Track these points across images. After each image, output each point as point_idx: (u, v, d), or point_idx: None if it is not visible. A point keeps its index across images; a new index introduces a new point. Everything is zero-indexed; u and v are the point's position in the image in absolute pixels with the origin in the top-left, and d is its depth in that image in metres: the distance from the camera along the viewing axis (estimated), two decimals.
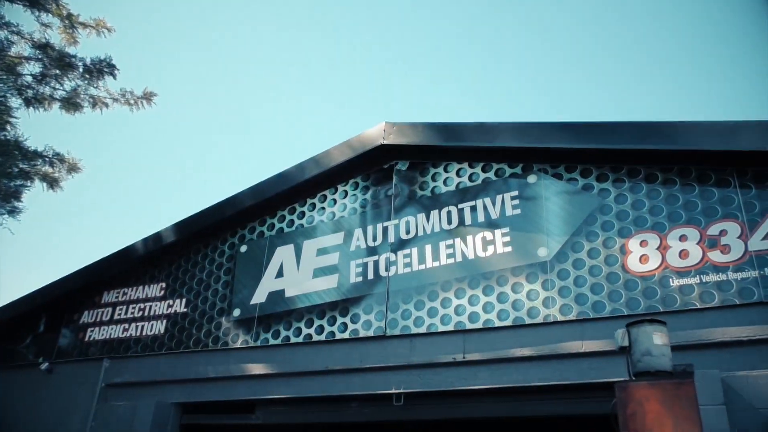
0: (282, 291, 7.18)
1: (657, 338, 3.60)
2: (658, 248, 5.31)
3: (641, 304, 5.19)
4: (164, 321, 7.92)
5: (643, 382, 3.47)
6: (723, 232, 5.13)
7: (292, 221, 7.59)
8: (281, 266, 7.37)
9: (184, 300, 7.92)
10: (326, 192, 7.47)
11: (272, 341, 6.93)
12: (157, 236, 8.31)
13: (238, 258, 7.78)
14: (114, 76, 10.54)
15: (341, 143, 7.26)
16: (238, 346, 7.14)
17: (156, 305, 8.12)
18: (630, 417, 3.40)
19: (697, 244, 5.18)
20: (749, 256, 4.95)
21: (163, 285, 8.24)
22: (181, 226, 8.19)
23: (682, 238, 5.25)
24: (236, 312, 7.38)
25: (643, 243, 5.39)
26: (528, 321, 5.61)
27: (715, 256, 5.08)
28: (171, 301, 8.01)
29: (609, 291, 5.37)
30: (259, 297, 7.29)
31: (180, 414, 7.38)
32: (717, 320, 4.91)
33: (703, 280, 5.05)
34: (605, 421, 3.93)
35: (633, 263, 5.37)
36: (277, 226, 7.68)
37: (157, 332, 7.88)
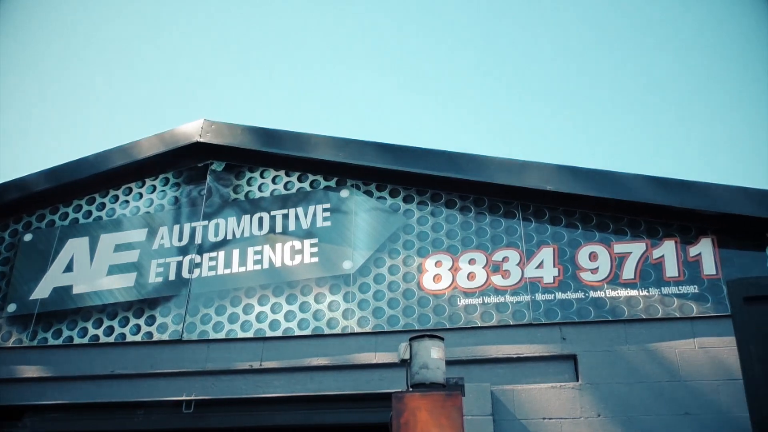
0: (70, 287, 6.57)
1: (434, 352, 3.89)
2: (450, 269, 5.75)
3: (431, 320, 5.57)
4: None
5: (416, 393, 3.73)
6: (505, 259, 5.70)
7: (89, 212, 7.00)
8: (72, 260, 6.74)
9: None
10: (132, 185, 7.01)
11: (52, 341, 6.30)
12: None
13: (20, 247, 6.97)
14: None
15: (153, 135, 6.86)
16: (10, 345, 6.38)
17: None
18: (403, 425, 3.63)
19: (483, 268, 5.69)
20: (524, 282, 5.56)
21: None
22: None
23: (471, 261, 5.75)
24: (11, 307, 6.60)
25: (437, 263, 5.80)
26: (327, 331, 5.74)
27: (497, 280, 5.63)
28: None
29: (404, 306, 5.69)
30: (42, 292, 6.60)
31: None
32: (493, 338, 5.43)
33: (485, 301, 5.56)
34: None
35: (427, 282, 5.74)
36: (72, 215, 7.03)
37: None
